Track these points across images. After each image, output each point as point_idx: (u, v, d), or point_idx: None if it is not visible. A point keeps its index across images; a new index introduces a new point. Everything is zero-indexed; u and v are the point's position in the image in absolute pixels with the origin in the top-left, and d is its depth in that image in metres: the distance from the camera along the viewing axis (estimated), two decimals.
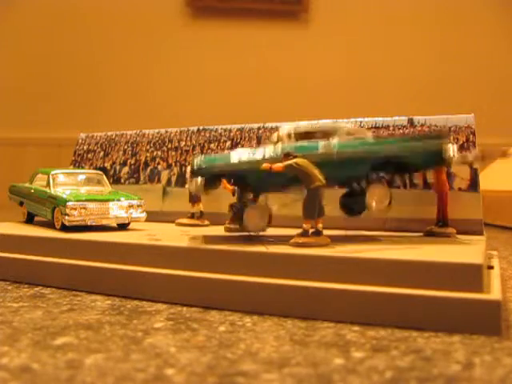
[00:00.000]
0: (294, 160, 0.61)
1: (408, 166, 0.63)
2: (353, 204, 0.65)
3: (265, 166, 0.63)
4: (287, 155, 0.63)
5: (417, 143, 0.63)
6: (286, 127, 0.66)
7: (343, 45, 2.32)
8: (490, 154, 0.64)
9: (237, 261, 0.55)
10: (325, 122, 0.77)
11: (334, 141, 0.63)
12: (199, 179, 0.65)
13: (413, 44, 2.29)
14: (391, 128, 0.84)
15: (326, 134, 0.71)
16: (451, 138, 0.65)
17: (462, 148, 0.79)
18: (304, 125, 0.73)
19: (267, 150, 0.65)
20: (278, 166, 0.62)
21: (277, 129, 0.93)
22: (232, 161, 0.64)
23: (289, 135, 0.65)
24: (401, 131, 0.83)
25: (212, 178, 0.65)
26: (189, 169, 0.66)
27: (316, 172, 0.60)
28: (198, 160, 0.65)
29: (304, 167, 0.60)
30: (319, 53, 2.33)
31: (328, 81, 2.29)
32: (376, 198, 0.63)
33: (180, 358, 0.38)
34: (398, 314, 0.46)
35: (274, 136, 0.68)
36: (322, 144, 0.63)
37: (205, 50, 2.34)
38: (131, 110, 2.30)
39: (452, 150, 0.63)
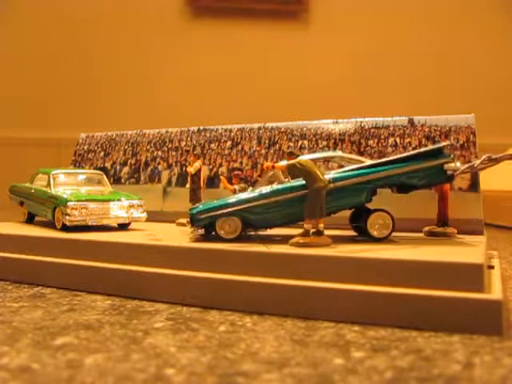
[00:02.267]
0: (297, 160, 0.61)
1: (409, 186, 0.63)
2: (362, 225, 0.65)
3: (267, 165, 0.64)
4: (290, 154, 0.63)
5: (416, 163, 0.62)
6: (285, 162, 0.65)
7: (343, 45, 2.32)
8: (499, 157, 0.61)
9: (237, 261, 0.55)
10: (323, 152, 0.78)
11: (330, 175, 0.63)
12: (198, 230, 0.65)
13: (413, 44, 2.29)
14: (391, 128, 0.84)
15: (326, 161, 0.72)
16: (452, 151, 0.63)
17: (462, 148, 0.79)
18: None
19: (262, 189, 0.65)
20: (281, 165, 0.62)
21: (277, 129, 0.93)
22: (227, 203, 0.65)
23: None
24: (401, 131, 0.83)
25: (211, 223, 0.64)
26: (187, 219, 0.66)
27: (318, 172, 0.60)
28: (195, 209, 0.66)
29: (306, 167, 0.60)
30: (319, 53, 2.33)
31: (328, 81, 2.29)
32: (377, 226, 0.63)
33: (180, 358, 0.38)
34: (398, 314, 0.46)
35: (268, 174, 0.68)
36: None
37: (205, 49, 2.34)
38: (131, 110, 2.30)
39: (454, 165, 0.61)
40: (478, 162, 0.60)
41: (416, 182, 0.62)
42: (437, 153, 0.62)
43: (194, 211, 0.66)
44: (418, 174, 0.62)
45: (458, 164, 0.61)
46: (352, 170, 0.64)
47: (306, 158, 0.67)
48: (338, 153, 0.70)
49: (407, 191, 0.64)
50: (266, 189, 0.65)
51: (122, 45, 2.35)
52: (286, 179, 0.65)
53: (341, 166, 0.69)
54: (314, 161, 0.71)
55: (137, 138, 1.06)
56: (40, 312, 0.51)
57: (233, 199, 0.65)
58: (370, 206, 0.65)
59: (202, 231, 0.66)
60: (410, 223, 0.73)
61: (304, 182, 0.62)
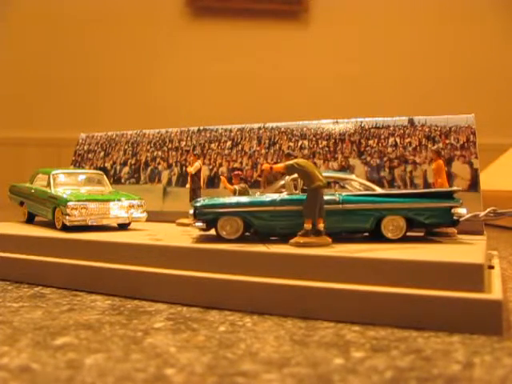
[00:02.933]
0: (295, 160, 0.61)
1: (414, 222, 0.63)
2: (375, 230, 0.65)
3: (265, 166, 0.64)
4: (288, 156, 0.64)
5: (426, 202, 0.63)
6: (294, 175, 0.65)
7: (343, 45, 2.32)
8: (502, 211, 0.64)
9: (237, 261, 0.55)
10: (336, 172, 0.79)
11: (341, 196, 0.64)
12: (199, 224, 0.65)
13: (413, 44, 2.29)
14: (391, 128, 0.84)
15: (337, 181, 0.73)
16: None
17: (462, 148, 0.79)
18: None
19: (271, 195, 0.65)
20: (279, 166, 0.62)
21: (277, 129, 0.93)
22: (234, 202, 0.65)
23: (294, 181, 0.65)
24: (401, 131, 0.83)
25: (214, 220, 0.64)
26: (191, 211, 0.66)
27: (317, 172, 0.60)
28: (201, 202, 0.66)
29: (305, 167, 0.60)
30: (319, 53, 2.33)
31: (328, 81, 2.29)
32: (391, 228, 0.63)
33: (180, 358, 0.38)
34: (398, 314, 0.46)
35: (279, 183, 0.68)
36: (328, 196, 0.63)
37: (205, 49, 2.34)
38: (131, 110, 2.30)
39: (461, 211, 0.62)
40: (482, 213, 0.62)
41: (423, 220, 0.63)
42: (447, 195, 0.64)
43: (199, 204, 0.65)
44: (426, 212, 0.63)
45: (464, 210, 0.62)
46: (363, 195, 0.65)
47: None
48: (352, 176, 0.70)
49: (417, 227, 0.64)
50: (275, 196, 0.65)
51: (122, 45, 2.35)
52: (297, 191, 0.65)
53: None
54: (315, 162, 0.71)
55: (137, 138, 1.06)
56: (40, 312, 0.51)
57: (239, 200, 0.65)
58: None
59: (201, 225, 0.65)
60: None
61: None
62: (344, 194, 0.64)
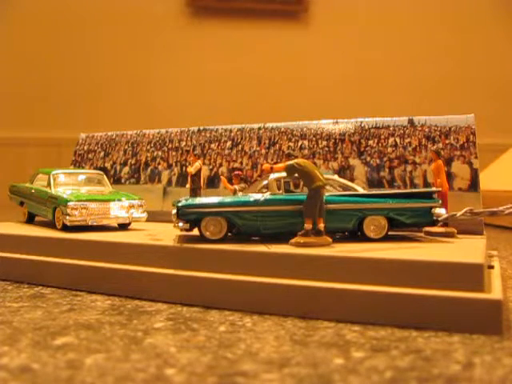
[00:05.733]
0: (295, 160, 0.61)
1: (395, 221, 0.64)
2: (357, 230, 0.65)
3: (266, 166, 0.63)
4: (288, 156, 0.63)
5: (406, 202, 0.64)
6: (276, 174, 0.65)
7: (343, 45, 2.32)
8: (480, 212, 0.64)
9: (237, 261, 0.55)
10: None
11: (325, 194, 0.63)
12: (181, 224, 0.63)
13: (413, 44, 2.29)
14: (391, 128, 0.84)
15: None
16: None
17: (462, 148, 0.79)
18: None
19: (255, 195, 0.65)
20: (279, 166, 0.62)
21: (277, 129, 0.93)
22: (217, 202, 0.64)
23: (278, 181, 0.65)
24: (401, 131, 0.83)
25: (198, 220, 0.63)
26: (174, 211, 0.65)
27: (317, 172, 0.60)
28: (183, 202, 0.65)
29: (305, 167, 0.60)
30: (319, 53, 2.33)
31: (328, 81, 2.29)
32: (373, 228, 0.64)
33: (180, 358, 0.38)
34: (398, 314, 0.46)
35: (262, 183, 0.68)
36: None
37: (205, 49, 2.34)
38: (131, 110, 2.30)
39: (440, 212, 0.64)
40: (459, 213, 0.63)
41: (404, 220, 0.64)
42: (427, 196, 0.66)
43: (181, 204, 0.64)
44: (407, 212, 0.64)
45: (443, 211, 0.64)
46: (345, 195, 0.65)
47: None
48: (334, 176, 0.70)
49: (397, 227, 0.65)
50: (258, 196, 0.64)
51: (122, 45, 2.35)
52: (280, 191, 0.65)
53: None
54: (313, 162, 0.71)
55: (137, 138, 1.06)
56: (40, 312, 0.51)
57: (223, 199, 0.64)
58: None
59: (184, 225, 0.64)
60: None
61: (297, 197, 0.63)
62: (327, 194, 0.64)
